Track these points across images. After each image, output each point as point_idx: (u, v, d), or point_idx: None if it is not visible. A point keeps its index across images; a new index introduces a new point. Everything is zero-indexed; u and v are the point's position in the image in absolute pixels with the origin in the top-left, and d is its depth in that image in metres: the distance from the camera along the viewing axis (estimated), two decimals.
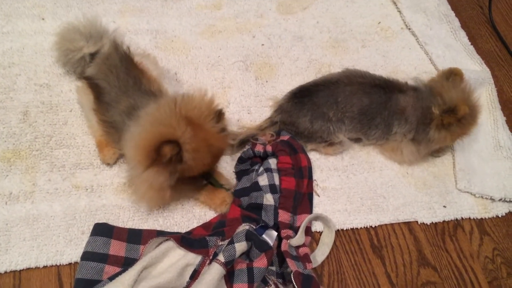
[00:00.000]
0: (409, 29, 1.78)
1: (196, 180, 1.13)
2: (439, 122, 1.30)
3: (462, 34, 1.82)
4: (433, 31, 1.79)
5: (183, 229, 1.19)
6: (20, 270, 1.08)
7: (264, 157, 1.30)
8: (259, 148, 1.29)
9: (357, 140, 1.41)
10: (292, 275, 1.01)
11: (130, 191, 1.22)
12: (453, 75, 1.33)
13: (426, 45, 1.72)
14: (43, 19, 1.53)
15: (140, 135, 1.03)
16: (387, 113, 1.33)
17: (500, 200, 1.38)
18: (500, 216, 1.37)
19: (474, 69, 1.67)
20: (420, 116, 1.33)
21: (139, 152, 1.01)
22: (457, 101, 1.27)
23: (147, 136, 1.00)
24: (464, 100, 1.29)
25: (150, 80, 1.23)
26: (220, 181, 1.23)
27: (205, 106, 1.06)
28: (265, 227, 1.12)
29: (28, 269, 1.08)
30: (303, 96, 1.33)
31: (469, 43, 1.79)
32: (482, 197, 1.38)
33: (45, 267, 1.09)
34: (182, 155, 1.01)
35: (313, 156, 1.37)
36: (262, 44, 1.63)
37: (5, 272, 1.07)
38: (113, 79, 1.18)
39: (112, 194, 1.22)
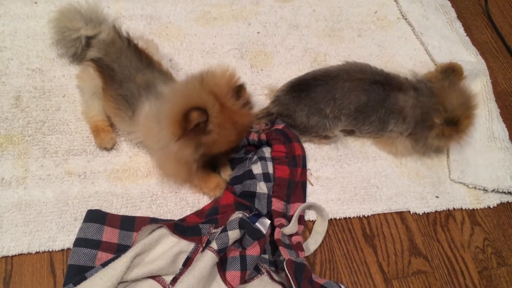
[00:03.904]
0: (406, 19, 1.77)
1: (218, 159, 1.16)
2: (440, 132, 1.30)
3: (458, 24, 1.82)
4: (429, 21, 1.78)
5: (177, 217, 1.19)
6: (12, 256, 1.07)
7: (258, 145, 1.30)
8: (253, 137, 1.29)
9: (350, 132, 1.41)
10: (284, 263, 1.02)
11: (159, 169, 1.24)
12: (452, 72, 1.33)
13: (422, 36, 1.71)
14: (35, 2, 1.50)
15: (170, 107, 1.04)
16: (383, 111, 1.32)
17: (493, 191, 1.39)
18: (491, 207, 1.38)
19: (470, 60, 1.67)
20: (419, 118, 1.32)
21: (169, 122, 1.01)
22: (458, 110, 1.26)
23: (177, 107, 1.01)
24: (465, 105, 1.29)
25: (159, 63, 1.26)
26: (224, 171, 1.24)
27: (225, 83, 1.06)
28: (258, 215, 1.12)
29: (20, 254, 1.08)
30: (301, 90, 1.31)
31: (465, 34, 1.79)
32: (475, 187, 1.39)
33: (37, 253, 1.09)
34: (208, 125, 1.02)
35: (308, 146, 1.37)
36: (258, 32, 1.62)
37: None
38: (125, 61, 1.19)
39: (105, 181, 1.21)
